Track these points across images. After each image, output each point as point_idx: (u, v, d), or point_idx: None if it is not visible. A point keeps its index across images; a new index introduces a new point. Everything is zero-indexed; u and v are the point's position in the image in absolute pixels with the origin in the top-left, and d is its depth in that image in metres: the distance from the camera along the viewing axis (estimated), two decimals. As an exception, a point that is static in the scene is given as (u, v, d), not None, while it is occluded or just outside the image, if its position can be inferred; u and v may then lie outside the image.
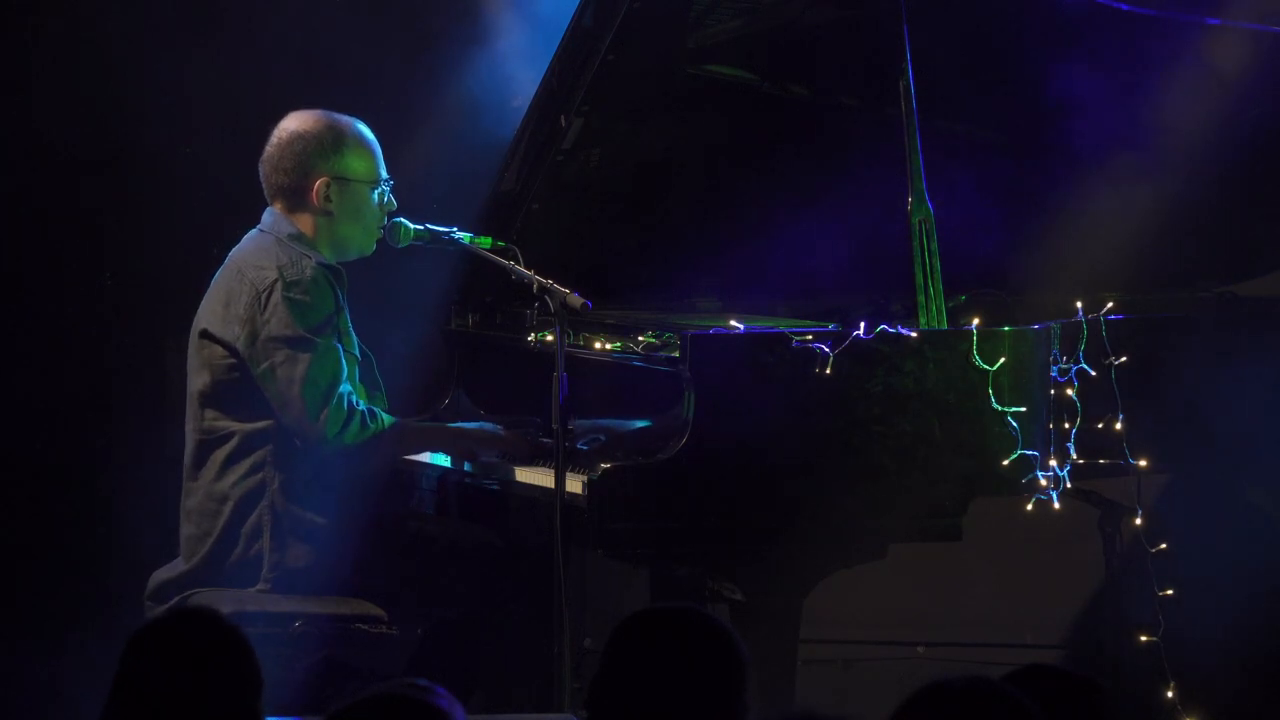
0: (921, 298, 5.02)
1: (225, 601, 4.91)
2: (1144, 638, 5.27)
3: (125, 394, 6.37)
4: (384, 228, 5.23)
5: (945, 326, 5.02)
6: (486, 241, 5.29)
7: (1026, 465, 4.96)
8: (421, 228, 5.27)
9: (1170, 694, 5.36)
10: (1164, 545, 5.27)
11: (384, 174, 5.23)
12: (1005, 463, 4.94)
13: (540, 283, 5.00)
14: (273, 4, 6.36)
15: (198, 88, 6.22)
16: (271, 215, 5.20)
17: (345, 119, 5.21)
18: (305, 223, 5.18)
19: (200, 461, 5.10)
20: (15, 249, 6.31)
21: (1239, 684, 6.09)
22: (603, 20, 5.29)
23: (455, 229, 5.30)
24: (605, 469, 4.83)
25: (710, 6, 5.48)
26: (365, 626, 5.06)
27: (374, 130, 5.25)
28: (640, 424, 5.23)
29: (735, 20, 5.52)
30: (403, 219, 5.24)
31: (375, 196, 5.20)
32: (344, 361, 5.08)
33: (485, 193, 5.65)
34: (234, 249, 5.20)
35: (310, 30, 6.30)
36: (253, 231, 5.21)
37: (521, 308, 5.59)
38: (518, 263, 5.17)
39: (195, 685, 3.05)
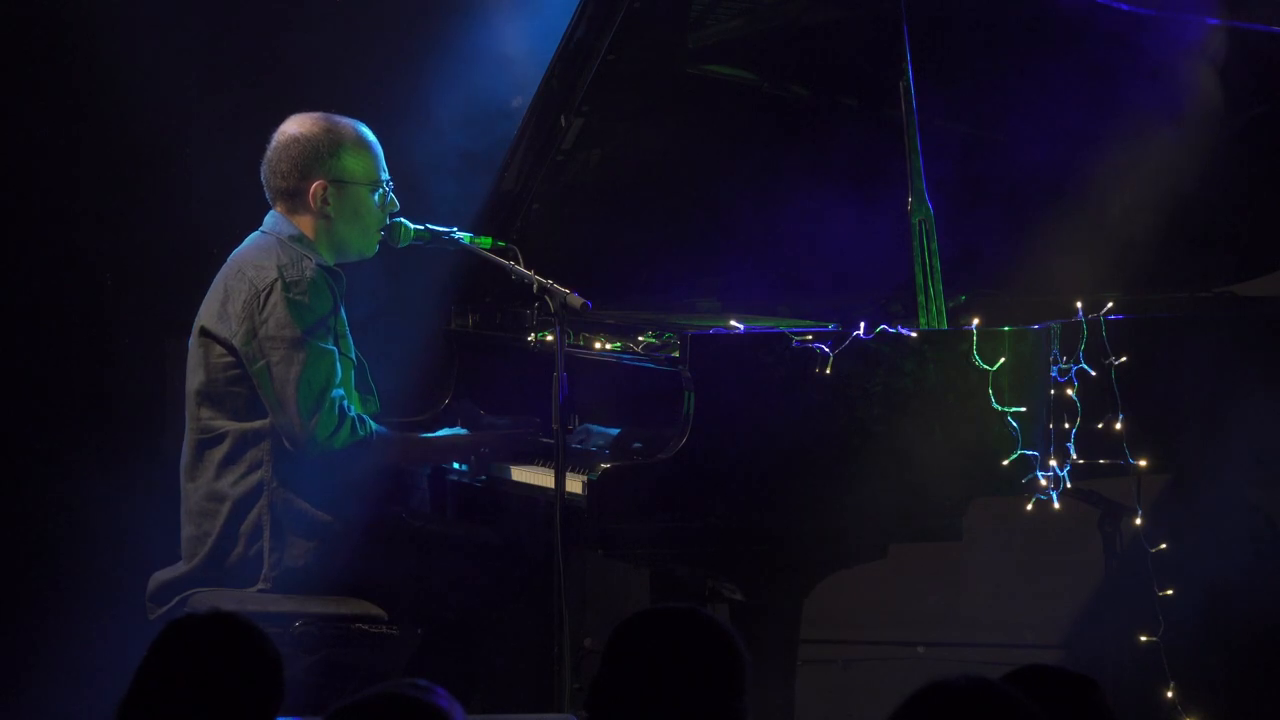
0: (921, 298, 5.02)
1: (225, 601, 4.92)
2: (1144, 638, 5.27)
3: (125, 394, 6.37)
4: (384, 229, 5.24)
5: (945, 326, 5.02)
6: (486, 241, 5.30)
7: (1026, 465, 4.96)
8: (421, 228, 5.28)
9: (1170, 694, 5.36)
10: (1164, 545, 5.27)
11: (385, 175, 5.23)
12: (1005, 463, 4.94)
13: (540, 283, 5.00)
14: (274, 4, 6.36)
15: (199, 88, 6.22)
16: (273, 217, 5.22)
17: (345, 121, 5.22)
18: (305, 224, 5.20)
19: (197, 462, 5.11)
20: (15, 249, 6.31)
21: (1239, 684, 6.09)
22: (602, 20, 5.29)
23: (455, 229, 5.31)
24: (605, 469, 4.83)
25: (710, 6, 5.48)
26: (365, 626, 5.06)
27: (375, 131, 5.25)
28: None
29: (735, 20, 5.53)
30: (403, 219, 5.26)
31: (375, 198, 5.21)
32: (339, 365, 5.09)
33: (485, 193, 5.65)
34: (235, 250, 5.21)
35: (311, 30, 6.30)
36: (254, 234, 5.23)
37: (521, 308, 5.60)
38: (518, 263, 5.17)
39: (219, 687, 3.06)
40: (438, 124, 6.12)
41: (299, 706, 3.51)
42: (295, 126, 5.21)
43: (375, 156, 5.22)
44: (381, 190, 5.23)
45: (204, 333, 5.12)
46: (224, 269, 5.19)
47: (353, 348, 5.21)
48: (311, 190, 5.17)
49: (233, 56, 6.33)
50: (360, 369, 5.26)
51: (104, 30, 6.17)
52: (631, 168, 5.73)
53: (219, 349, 5.09)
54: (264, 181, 5.24)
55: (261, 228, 5.22)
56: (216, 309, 5.11)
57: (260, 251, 5.14)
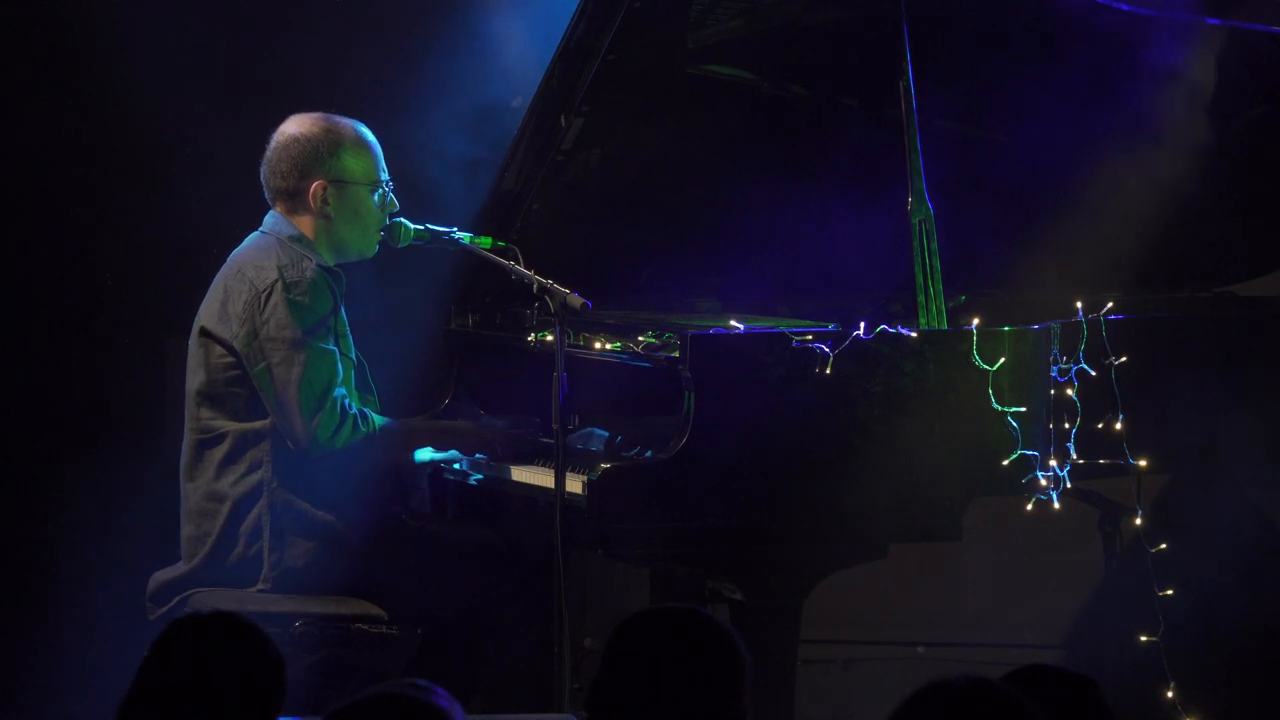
0: (921, 298, 5.02)
1: (225, 601, 4.91)
2: (1144, 638, 5.27)
3: (125, 394, 6.37)
4: (384, 229, 5.24)
5: (945, 326, 5.02)
6: (486, 241, 5.30)
7: (1026, 465, 4.96)
8: (421, 228, 5.28)
9: (1170, 694, 5.36)
10: (1164, 545, 5.27)
11: (385, 175, 5.23)
12: (1005, 463, 4.94)
13: (540, 283, 5.00)
14: (273, 5, 6.36)
15: (199, 88, 6.22)
16: (273, 218, 5.21)
17: (345, 121, 5.22)
18: (305, 225, 5.19)
19: (197, 462, 5.11)
20: (15, 249, 6.31)
21: (1239, 684, 6.09)
22: (602, 20, 5.29)
23: (455, 229, 5.31)
24: (605, 469, 4.83)
25: (710, 6, 5.48)
26: (365, 626, 5.06)
27: (375, 130, 5.25)
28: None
29: (735, 20, 5.53)
30: (403, 219, 5.25)
31: (375, 198, 5.21)
32: (340, 365, 5.09)
33: (485, 193, 5.65)
34: (235, 250, 5.21)
35: (310, 31, 6.30)
36: (254, 234, 5.22)
37: (521, 308, 5.60)
38: (518, 263, 5.17)
39: (220, 687, 3.06)
40: (438, 124, 6.12)
41: (299, 706, 3.51)
42: (295, 126, 5.21)
43: (375, 156, 5.22)
44: (381, 190, 5.23)
45: (204, 333, 5.12)
46: (224, 269, 5.18)
47: (353, 348, 5.20)
48: (311, 190, 5.17)
49: (233, 56, 6.32)
50: (360, 369, 5.26)
51: (104, 30, 6.17)
52: (631, 168, 5.73)
53: (219, 349, 5.09)
54: (263, 181, 5.23)
55: (261, 228, 5.22)
56: (217, 309, 5.11)
57: (260, 252, 5.14)
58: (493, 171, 5.66)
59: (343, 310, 5.17)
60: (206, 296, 5.19)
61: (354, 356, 5.20)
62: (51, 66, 6.30)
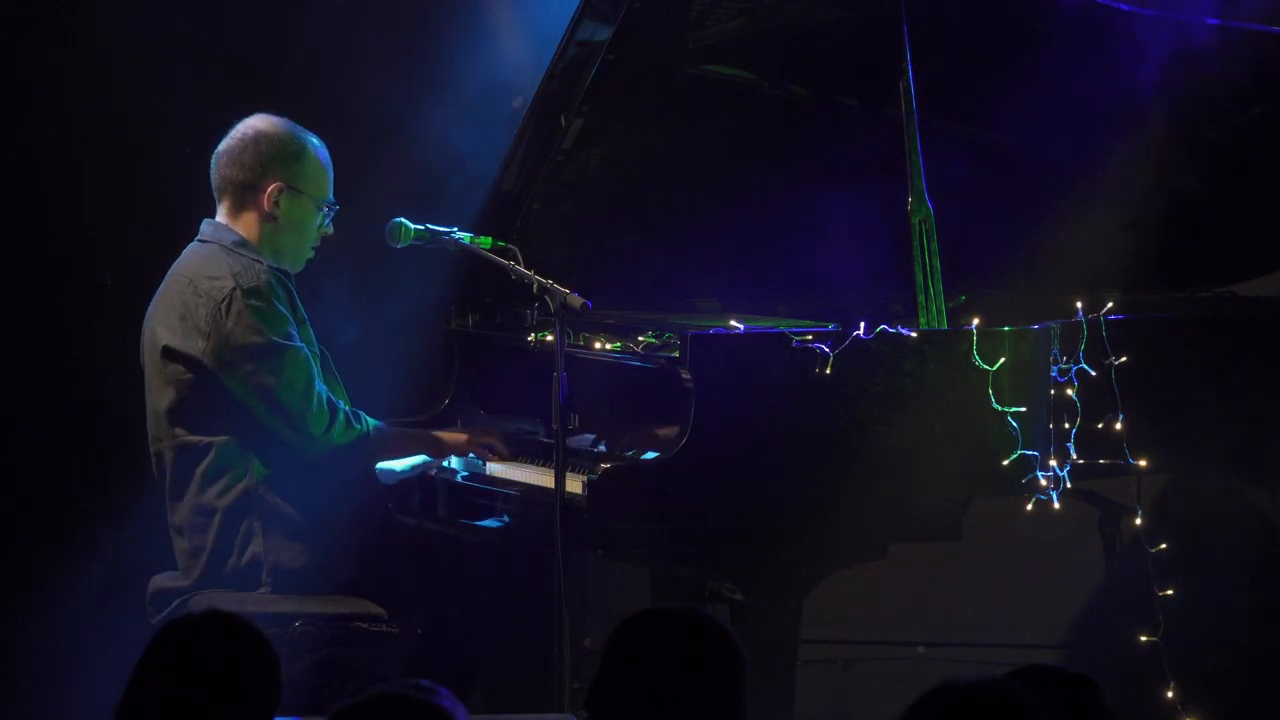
0: (921, 298, 5.02)
1: (225, 602, 4.91)
2: (1144, 638, 5.27)
3: (125, 394, 6.36)
4: (315, 248, 5.21)
5: (945, 326, 5.02)
6: (486, 241, 5.29)
7: (1026, 465, 4.96)
8: (421, 228, 5.26)
9: (1170, 694, 5.36)
10: (1164, 545, 5.27)
11: (332, 198, 5.21)
12: (1005, 463, 4.94)
13: (540, 283, 4.99)
14: (272, 6, 6.35)
15: (197, 89, 6.21)
16: (211, 225, 5.15)
17: (311, 135, 5.20)
18: (249, 225, 5.13)
19: (180, 477, 5.06)
20: (15, 250, 6.31)
21: (1239, 684, 6.09)
22: (602, 20, 5.29)
23: (455, 229, 5.29)
24: (605, 469, 4.83)
25: (710, 6, 5.48)
26: (365, 626, 5.05)
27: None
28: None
29: (735, 20, 5.53)
30: (403, 219, 5.23)
31: (319, 217, 5.18)
32: (312, 361, 5.06)
33: (485, 193, 5.65)
34: (175, 263, 5.15)
35: (312, 30, 6.30)
36: (193, 244, 5.16)
37: (521, 308, 5.60)
38: (518, 263, 5.16)
39: (216, 687, 3.06)
40: (438, 124, 6.12)
41: (299, 706, 3.51)
42: (263, 124, 5.17)
43: (330, 178, 5.20)
44: (325, 212, 5.19)
45: (167, 352, 5.05)
46: (169, 284, 5.11)
47: (314, 340, 5.16)
48: (268, 189, 5.13)
49: (233, 56, 6.32)
50: (324, 359, 5.21)
51: (104, 30, 6.17)
52: (631, 168, 5.73)
53: (181, 367, 5.02)
54: (215, 173, 5.15)
55: (199, 236, 5.16)
56: (176, 326, 5.03)
57: (208, 261, 5.08)
58: (493, 171, 5.66)
59: (299, 305, 5.13)
60: (154, 313, 5.11)
61: (316, 350, 5.16)
62: (51, 66, 6.29)
